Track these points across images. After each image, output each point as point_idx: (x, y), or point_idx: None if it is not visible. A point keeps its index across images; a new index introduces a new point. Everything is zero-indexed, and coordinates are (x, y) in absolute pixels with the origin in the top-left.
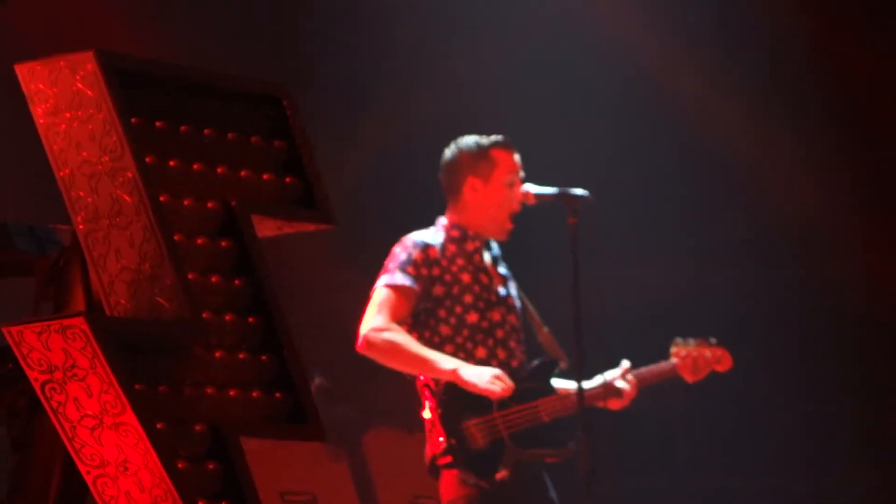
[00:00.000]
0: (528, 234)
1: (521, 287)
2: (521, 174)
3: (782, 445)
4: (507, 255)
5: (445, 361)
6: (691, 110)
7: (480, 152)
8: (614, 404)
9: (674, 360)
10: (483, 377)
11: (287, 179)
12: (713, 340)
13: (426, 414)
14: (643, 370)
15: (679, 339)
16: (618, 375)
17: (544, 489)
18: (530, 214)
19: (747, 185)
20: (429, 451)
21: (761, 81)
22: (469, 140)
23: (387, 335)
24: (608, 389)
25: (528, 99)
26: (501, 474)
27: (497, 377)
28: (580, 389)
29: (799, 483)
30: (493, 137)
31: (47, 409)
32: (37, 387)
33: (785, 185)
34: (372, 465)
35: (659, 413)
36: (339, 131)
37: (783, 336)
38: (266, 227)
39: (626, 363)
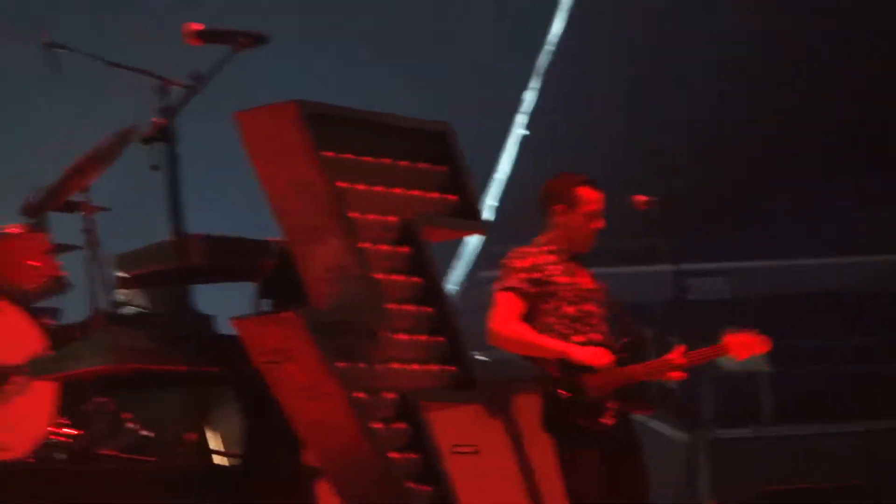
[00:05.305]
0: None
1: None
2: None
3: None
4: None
5: (556, 345)
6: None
7: (564, 187)
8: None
9: (724, 341)
10: (589, 351)
11: (449, 197)
12: (757, 330)
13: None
14: (698, 351)
15: (731, 328)
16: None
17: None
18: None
19: None
20: (549, 404)
21: None
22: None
23: (508, 328)
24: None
25: None
26: (606, 419)
27: (601, 352)
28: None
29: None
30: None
31: (270, 383)
32: (260, 366)
33: None
34: (521, 421)
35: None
36: None
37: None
38: (434, 235)
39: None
